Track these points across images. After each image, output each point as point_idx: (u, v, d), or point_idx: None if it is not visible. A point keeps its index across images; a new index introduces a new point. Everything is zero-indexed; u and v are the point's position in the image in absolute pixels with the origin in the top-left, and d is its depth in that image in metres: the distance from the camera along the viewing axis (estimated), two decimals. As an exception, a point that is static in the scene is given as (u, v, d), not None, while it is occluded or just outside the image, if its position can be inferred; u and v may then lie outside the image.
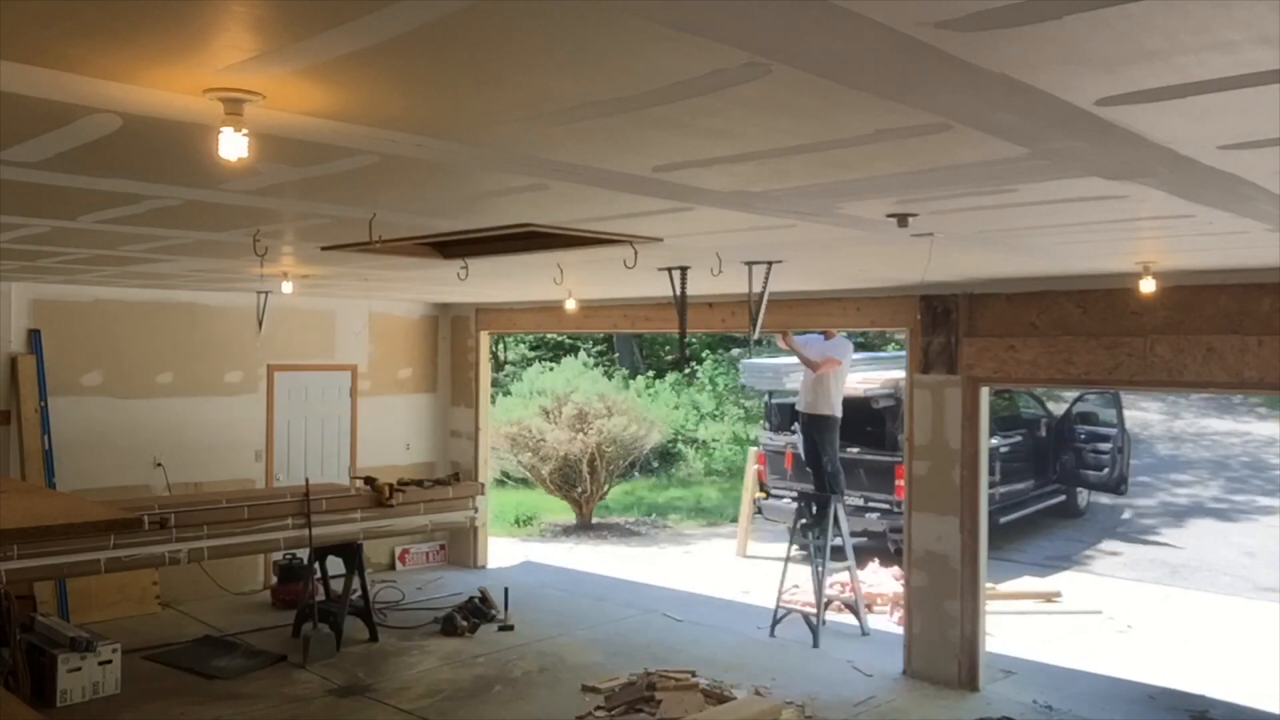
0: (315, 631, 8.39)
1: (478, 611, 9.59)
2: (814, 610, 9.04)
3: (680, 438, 19.58)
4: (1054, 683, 7.95)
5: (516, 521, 15.30)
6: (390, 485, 8.90)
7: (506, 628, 9.32)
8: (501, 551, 12.73)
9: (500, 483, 15.78)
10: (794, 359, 10.42)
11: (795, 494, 9.97)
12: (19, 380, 8.90)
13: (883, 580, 10.54)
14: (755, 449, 13.97)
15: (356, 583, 8.84)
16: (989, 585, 10.39)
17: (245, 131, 2.32)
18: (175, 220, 4.58)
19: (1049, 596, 10.73)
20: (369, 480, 8.98)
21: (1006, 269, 6.64)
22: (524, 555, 12.98)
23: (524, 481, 16.30)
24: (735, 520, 14.36)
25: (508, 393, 16.92)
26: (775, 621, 9.26)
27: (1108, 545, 13.63)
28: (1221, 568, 12.43)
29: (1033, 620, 9.90)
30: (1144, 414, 21.24)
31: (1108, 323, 7.01)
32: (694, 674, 7.92)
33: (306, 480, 8.84)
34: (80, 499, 6.03)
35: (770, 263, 6.01)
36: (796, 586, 10.91)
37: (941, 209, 3.89)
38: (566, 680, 7.93)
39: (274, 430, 10.70)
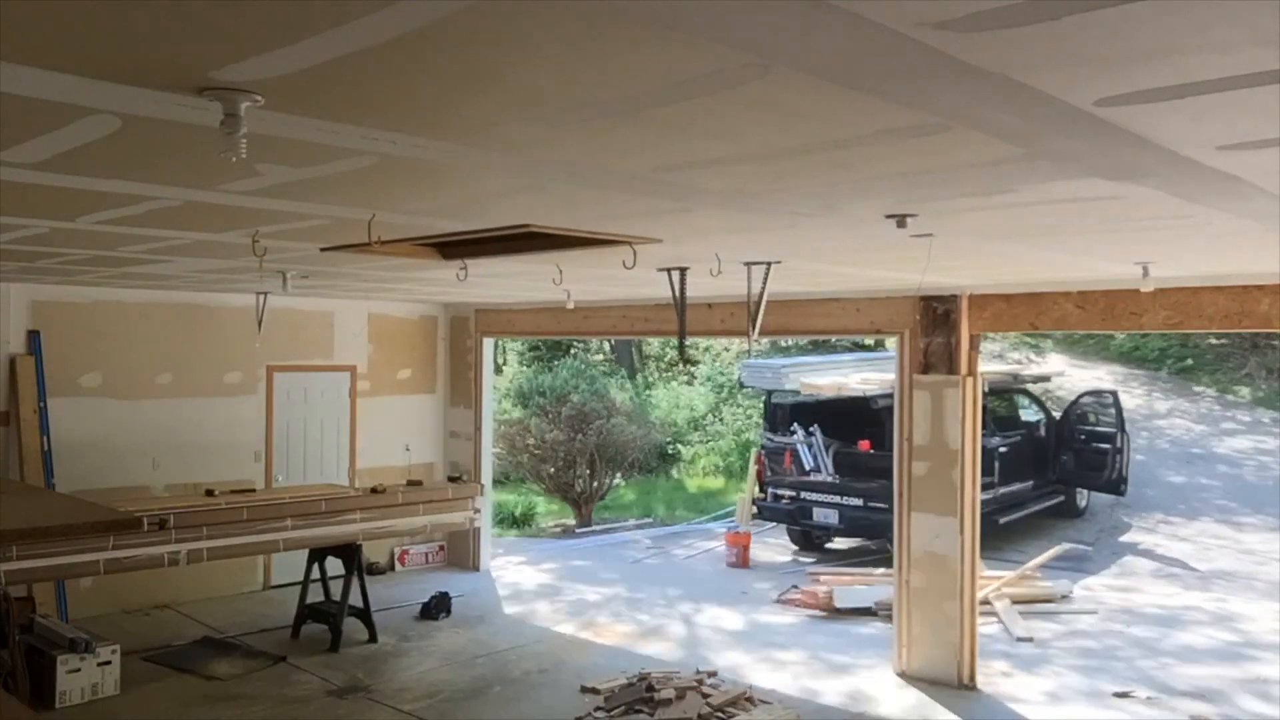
0: (314, 632, 8.39)
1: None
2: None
3: (680, 438, 19.57)
4: (1051, 683, 7.95)
5: (515, 522, 15.29)
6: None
7: None
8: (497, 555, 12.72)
9: (500, 483, 15.77)
10: (792, 359, 10.41)
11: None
12: (18, 381, 8.89)
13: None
14: (755, 449, 13.97)
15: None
16: (999, 573, 10.40)
17: (244, 132, 2.32)
18: (174, 221, 4.57)
19: (1050, 598, 10.72)
20: (374, 490, 9.02)
21: (1006, 276, 6.64)
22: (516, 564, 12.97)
23: (523, 482, 16.30)
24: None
25: (507, 393, 16.92)
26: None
27: (1109, 545, 13.63)
28: (1221, 568, 12.43)
29: (1031, 619, 9.89)
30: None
31: (1107, 323, 7.02)
32: (708, 676, 7.92)
33: (305, 481, 8.84)
34: (79, 500, 6.02)
35: (770, 263, 6.01)
36: (795, 587, 10.90)
37: (941, 209, 3.89)
38: (565, 681, 7.93)
39: (273, 431, 10.69)
